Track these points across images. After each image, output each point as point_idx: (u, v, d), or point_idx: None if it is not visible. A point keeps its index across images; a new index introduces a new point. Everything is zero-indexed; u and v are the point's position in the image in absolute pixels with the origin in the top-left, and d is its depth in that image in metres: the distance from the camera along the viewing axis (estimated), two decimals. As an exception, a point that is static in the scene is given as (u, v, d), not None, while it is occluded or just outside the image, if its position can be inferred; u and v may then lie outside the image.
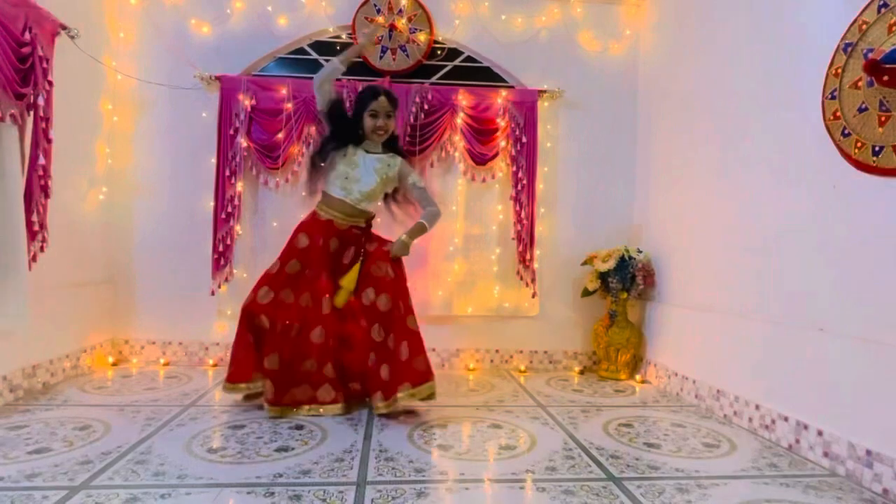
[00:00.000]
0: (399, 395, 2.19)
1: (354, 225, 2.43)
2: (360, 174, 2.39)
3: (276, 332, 2.27)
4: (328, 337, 2.31)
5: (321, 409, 2.26)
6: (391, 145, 2.51)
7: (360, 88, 3.05)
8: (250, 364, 2.29)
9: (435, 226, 2.52)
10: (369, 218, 2.50)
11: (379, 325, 2.29)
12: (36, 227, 2.25)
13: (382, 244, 2.46)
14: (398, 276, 2.38)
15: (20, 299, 2.14)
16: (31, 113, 2.21)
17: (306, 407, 2.26)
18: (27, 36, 2.15)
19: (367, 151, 2.44)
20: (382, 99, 2.39)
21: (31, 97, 2.19)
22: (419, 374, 2.24)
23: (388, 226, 2.71)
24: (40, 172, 2.26)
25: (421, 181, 2.53)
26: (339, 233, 2.40)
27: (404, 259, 2.45)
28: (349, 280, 2.37)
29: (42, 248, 2.31)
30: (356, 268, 2.39)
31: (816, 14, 2.00)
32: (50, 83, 2.28)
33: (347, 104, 2.60)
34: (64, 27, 2.41)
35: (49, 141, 2.29)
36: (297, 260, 2.37)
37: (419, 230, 2.45)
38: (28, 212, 2.20)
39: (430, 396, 2.26)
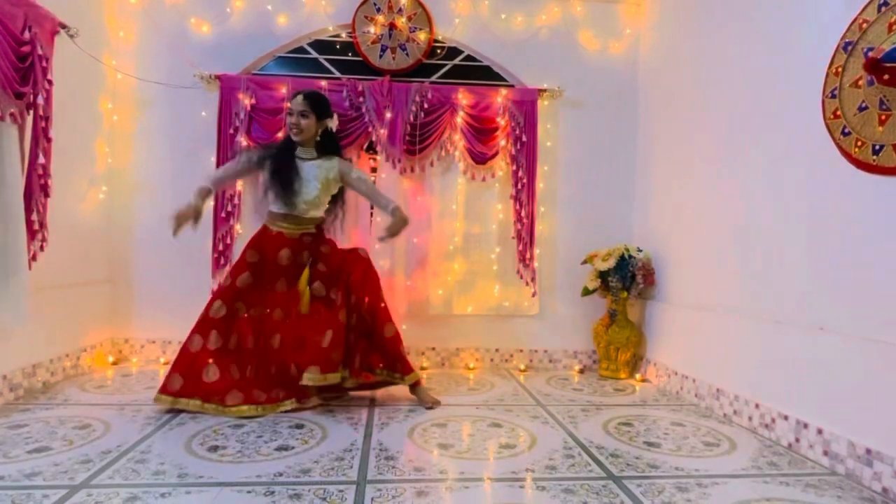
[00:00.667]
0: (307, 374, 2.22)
1: (305, 232, 2.46)
2: (299, 185, 2.40)
3: (227, 348, 2.33)
4: (283, 342, 2.34)
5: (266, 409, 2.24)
6: (327, 146, 2.50)
7: (359, 87, 3.08)
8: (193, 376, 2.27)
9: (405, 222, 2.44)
10: (319, 223, 2.52)
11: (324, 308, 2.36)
12: (36, 227, 2.25)
13: (337, 248, 2.51)
14: (355, 272, 2.40)
15: (20, 298, 2.14)
16: (31, 112, 2.21)
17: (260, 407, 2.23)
18: (27, 35, 2.15)
19: (302, 159, 2.45)
20: (298, 98, 2.41)
21: (31, 96, 2.19)
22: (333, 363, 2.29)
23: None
24: (40, 171, 2.26)
25: (365, 175, 2.55)
26: (289, 242, 2.43)
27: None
28: (303, 282, 2.41)
29: (42, 248, 2.31)
30: (305, 273, 2.43)
31: (817, 13, 1.99)
32: (49, 82, 2.27)
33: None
34: (63, 26, 2.41)
35: (49, 140, 2.29)
36: (248, 273, 2.40)
37: (397, 210, 2.43)
38: (28, 211, 2.20)
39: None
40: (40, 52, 2.21)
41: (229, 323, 2.35)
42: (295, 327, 2.35)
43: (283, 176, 2.39)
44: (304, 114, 2.41)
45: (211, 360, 2.27)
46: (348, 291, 2.39)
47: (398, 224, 2.39)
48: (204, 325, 2.34)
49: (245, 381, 2.28)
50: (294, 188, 2.38)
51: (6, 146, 2.11)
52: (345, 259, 2.44)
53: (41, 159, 2.25)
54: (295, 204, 2.40)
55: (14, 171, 2.13)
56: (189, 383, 2.21)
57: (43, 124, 2.26)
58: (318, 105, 2.44)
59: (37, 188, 2.25)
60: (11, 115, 2.10)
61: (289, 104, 2.45)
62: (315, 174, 2.43)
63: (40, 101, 2.22)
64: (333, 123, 2.51)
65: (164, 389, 2.22)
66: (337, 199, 2.58)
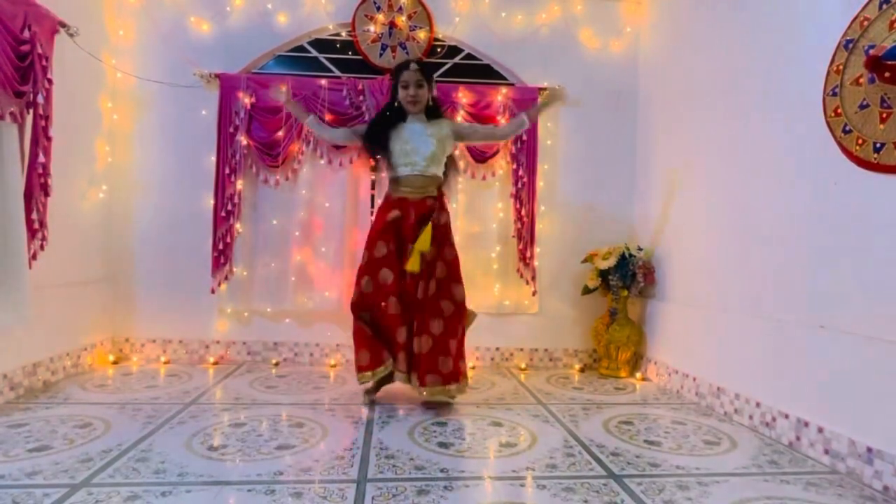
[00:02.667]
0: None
1: (428, 195, 2.45)
2: (416, 144, 2.42)
3: (386, 314, 2.38)
4: (402, 306, 2.39)
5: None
6: (435, 114, 2.53)
7: (359, 86, 3.08)
8: (378, 352, 2.38)
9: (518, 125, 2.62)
10: (440, 184, 2.51)
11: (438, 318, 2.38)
12: (36, 226, 2.25)
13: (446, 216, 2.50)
14: (454, 263, 2.46)
15: (21, 297, 2.14)
16: (31, 111, 2.21)
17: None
18: (26, 34, 2.14)
19: (415, 123, 2.48)
20: (412, 68, 2.42)
21: (31, 95, 2.19)
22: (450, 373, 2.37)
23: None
24: (40, 171, 2.26)
25: (477, 124, 2.60)
26: (414, 205, 2.43)
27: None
28: (423, 242, 2.35)
29: (42, 247, 2.31)
30: (428, 230, 2.36)
31: (817, 10, 1.99)
32: (49, 81, 2.27)
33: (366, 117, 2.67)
34: (63, 25, 2.40)
35: (49, 139, 2.29)
36: (381, 242, 2.41)
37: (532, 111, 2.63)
38: (28, 210, 2.20)
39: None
40: (40, 50, 2.21)
41: (378, 297, 2.40)
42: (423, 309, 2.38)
43: (400, 135, 2.44)
44: (420, 83, 2.43)
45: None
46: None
47: (542, 107, 2.67)
48: (360, 306, 2.41)
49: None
50: (413, 145, 2.41)
51: (6, 145, 2.11)
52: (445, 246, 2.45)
53: (41, 158, 2.25)
54: (415, 162, 2.41)
55: (14, 171, 2.13)
56: (374, 355, 2.36)
57: (43, 123, 2.26)
58: (430, 73, 2.49)
59: (37, 187, 2.25)
60: (11, 113, 2.10)
61: (400, 76, 2.43)
62: (428, 132, 2.45)
63: (40, 99, 2.22)
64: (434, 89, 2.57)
65: (359, 368, 2.37)
66: (449, 168, 2.59)
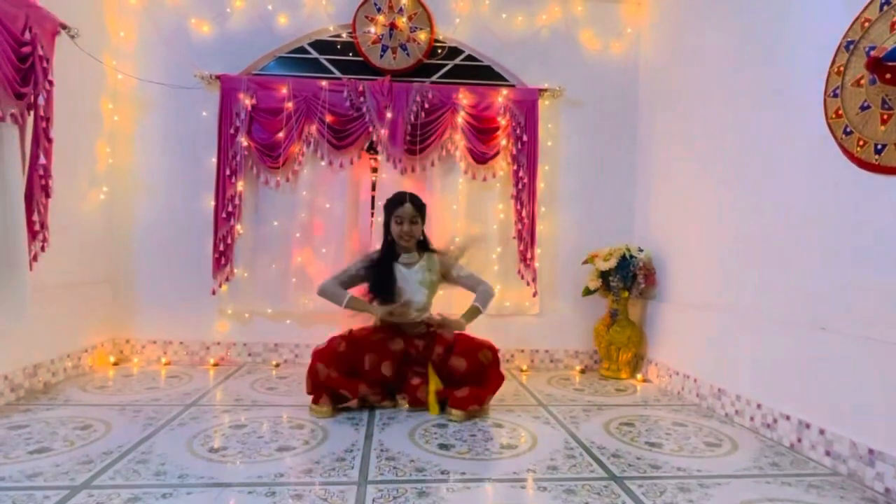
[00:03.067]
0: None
1: (417, 334, 2.46)
2: (408, 293, 2.44)
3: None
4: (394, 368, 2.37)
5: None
6: (422, 247, 2.56)
7: (360, 87, 3.08)
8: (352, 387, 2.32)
9: (488, 305, 2.57)
10: (428, 318, 2.51)
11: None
12: (37, 227, 2.25)
13: (441, 334, 2.47)
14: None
15: (22, 299, 2.14)
16: (32, 112, 2.21)
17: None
18: (27, 35, 2.15)
19: (404, 265, 2.49)
20: (407, 206, 2.45)
21: (32, 97, 2.19)
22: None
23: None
24: (41, 172, 2.26)
25: (464, 269, 2.59)
26: (410, 339, 2.44)
27: None
28: (433, 382, 2.34)
29: (43, 248, 2.31)
30: (433, 376, 2.36)
31: (818, 12, 1.99)
32: (50, 82, 2.27)
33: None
34: (64, 26, 2.41)
35: (49, 140, 2.29)
36: (373, 354, 2.36)
37: (475, 313, 2.53)
38: (29, 211, 2.20)
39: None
40: (41, 52, 2.21)
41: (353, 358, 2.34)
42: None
43: (390, 291, 2.44)
44: (415, 220, 2.47)
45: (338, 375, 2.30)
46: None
47: (453, 326, 2.46)
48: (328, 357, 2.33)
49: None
50: (405, 301, 2.43)
51: (7, 147, 2.11)
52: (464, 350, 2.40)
53: (42, 160, 2.25)
54: (409, 314, 2.44)
55: (15, 172, 2.13)
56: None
57: (44, 125, 2.26)
58: (424, 209, 2.54)
59: (38, 188, 2.25)
60: (12, 115, 2.10)
61: (395, 211, 2.45)
62: (419, 279, 2.48)
63: (41, 101, 2.22)
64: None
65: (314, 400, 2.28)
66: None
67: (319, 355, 2.31)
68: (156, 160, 3.12)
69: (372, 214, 3.13)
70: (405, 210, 2.45)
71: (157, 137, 3.11)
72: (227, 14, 3.13)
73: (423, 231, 2.56)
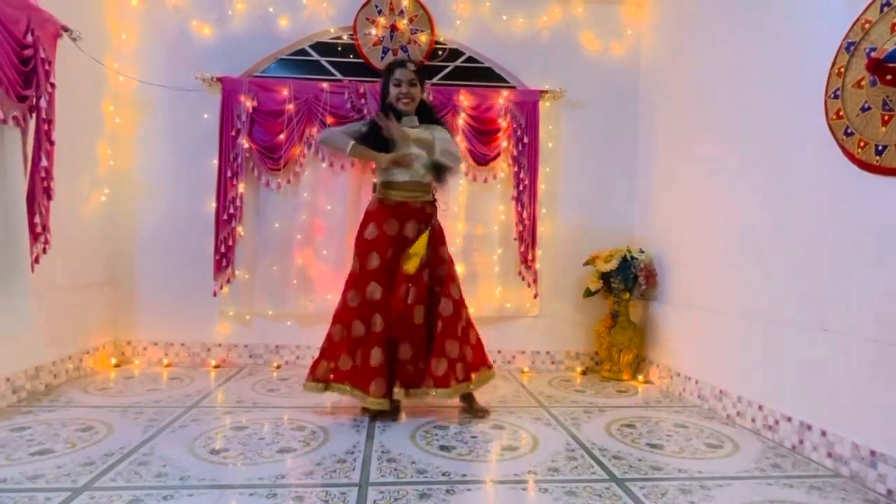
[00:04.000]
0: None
1: (426, 202, 2.38)
2: (414, 151, 2.32)
3: (372, 333, 2.27)
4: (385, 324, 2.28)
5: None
6: (428, 117, 2.44)
7: (361, 89, 3.08)
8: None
9: (451, 169, 2.41)
10: (433, 189, 2.44)
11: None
12: (38, 229, 2.26)
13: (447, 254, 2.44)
14: (451, 264, 2.43)
15: (23, 301, 2.14)
16: (34, 115, 2.22)
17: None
18: (29, 38, 2.15)
19: (408, 128, 2.36)
20: (408, 66, 2.35)
21: (34, 99, 2.20)
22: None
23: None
24: (42, 174, 2.26)
25: (451, 143, 2.42)
26: (414, 213, 2.34)
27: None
28: (420, 246, 2.28)
29: (45, 250, 2.31)
30: (425, 235, 2.30)
31: (819, 13, 1.99)
32: (52, 85, 2.28)
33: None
34: (66, 29, 2.41)
35: (51, 143, 2.30)
36: (375, 253, 2.30)
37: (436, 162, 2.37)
38: (31, 213, 2.20)
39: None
40: (43, 55, 2.22)
41: (367, 309, 2.28)
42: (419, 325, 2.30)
43: (387, 149, 2.31)
44: (413, 82, 2.35)
45: (353, 348, 2.28)
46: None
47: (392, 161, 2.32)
48: (343, 315, 2.31)
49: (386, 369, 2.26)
50: (409, 152, 2.30)
51: (9, 149, 2.11)
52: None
53: (44, 162, 2.26)
54: (415, 169, 2.32)
55: (17, 174, 2.13)
56: (335, 369, 2.27)
57: (45, 127, 2.26)
58: (423, 73, 2.44)
59: (39, 191, 2.26)
60: (14, 118, 2.10)
61: (392, 73, 2.34)
62: (423, 138, 2.33)
63: (43, 103, 2.23)
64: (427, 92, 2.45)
65: (311, 376, 2.28)
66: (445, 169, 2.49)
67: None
68: (157, 162, 3.13)
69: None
70: (404, 72, 2.33)
71: (159, 139, 3.12)
72: (228, 16, 3.13)
73: (425, 101, 2.44)
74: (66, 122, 2.50)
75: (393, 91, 2.36)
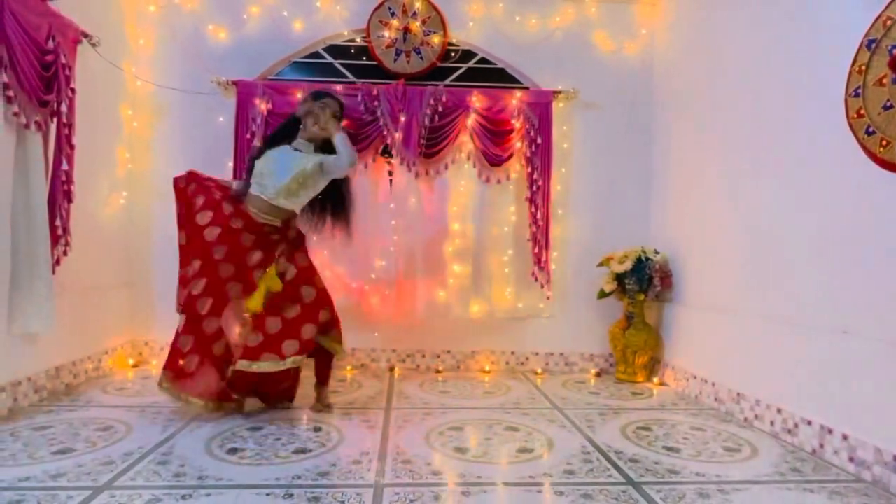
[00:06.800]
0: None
1: (269, 223, 2.31)
2: (275, 168, 2.29)
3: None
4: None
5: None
6: (325, 149, 2.40)
7: (374, 91, 3.09)
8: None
9: (347, 154, 2.30)
10: (287, 218, 2.37)
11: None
12: (59, 232, 2.30)
13: (305, 259, 2.39)
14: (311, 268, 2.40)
15: (45, 302, 2.19)
16: (55, 119, 2.26)
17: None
18: (51, 44, 2.19)
19: (295, 149, 2.36)
20: (336, 100, 2.40)
21: (55, 104, 2.24)
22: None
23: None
24: (63, 178, 2.30)
25: (331, 159, 2.34)
26: (253, 228, 2.29)
27: None
28: (272, 282, 2.24)
29: (65, 252, 2.36)
30: (272, 270, 2.25)
31: (838, 10, 1.96)
32: (72, 90, 2.32)
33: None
34: (86, 35, 2.46)
35: (72, 147, 2.34)
36: (221, 246, 2.26)
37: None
38: (52, 216, 2.25)
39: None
40: (63, 60, 2.26)
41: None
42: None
43: (264, 154, 2.36)
44: (337, 116, 2.39)
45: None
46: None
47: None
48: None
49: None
50: (271, 169, 2.29)
51: (31, 153, 2.16)
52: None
53: (64, 166, 2.30)
54: (265, 186, 2.29)
55: (38, 178, 2.18)
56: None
57: (66, 131, 2.30)
58: (342, 114, 2.47)
59: (60, 194, 2.30)
60: (36, 122, 2.15)
61: (322, 99, 2.37)
62: (295, 162, 2.30)
63: (63, 108, 2.27)
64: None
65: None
66: (324, 205, 2.48)
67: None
68: (174, 165, 3.14)
69: (392, 221, 3.14)
70: (330, 102, 2.36)
71: (175, 143, 3.16)
72: (243, 20, 3.17)
73: (337, 136, 2.32)
74: (85, 127, 2.54)
75: (313, 112, 2.33)
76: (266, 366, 2.14)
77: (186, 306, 2.26)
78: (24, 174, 2.14)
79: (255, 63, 3.18)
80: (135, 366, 3.06)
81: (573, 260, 3.27)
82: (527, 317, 3.25)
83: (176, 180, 2.42)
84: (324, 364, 2.41)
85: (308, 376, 2.43)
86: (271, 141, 2.46)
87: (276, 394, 2.37)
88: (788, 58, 2.19)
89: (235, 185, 2.48)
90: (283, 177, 2.29)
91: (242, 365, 2.12)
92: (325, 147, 2.40)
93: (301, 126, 2.40)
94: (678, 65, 3.08)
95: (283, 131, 2.47)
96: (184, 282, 2.33)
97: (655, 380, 3.01)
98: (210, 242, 2.26)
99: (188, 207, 2.36)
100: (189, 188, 2.39)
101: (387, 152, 3.18)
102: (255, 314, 2.20)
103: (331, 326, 2.35)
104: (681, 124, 3.03)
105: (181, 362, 2.20)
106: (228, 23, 3.16)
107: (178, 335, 2.26)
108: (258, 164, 2.35)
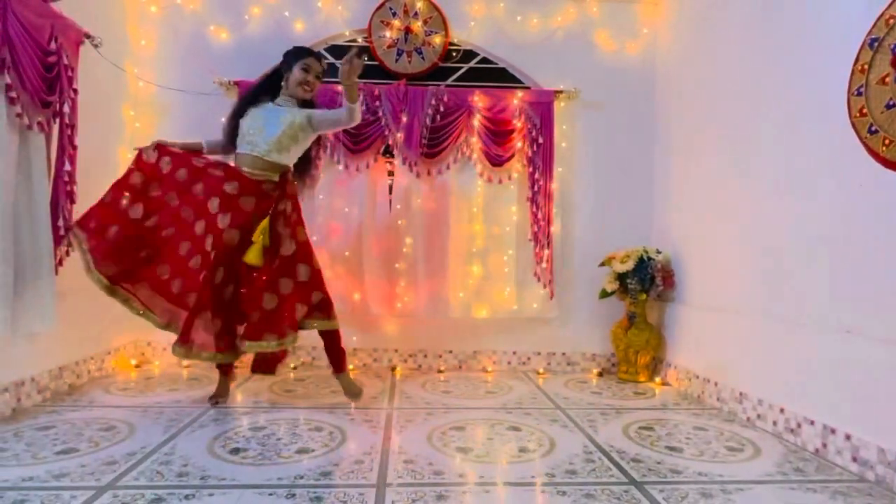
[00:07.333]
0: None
1: (267, 179, 2.35)
2: (264, 124, 2.34)
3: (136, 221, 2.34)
4: (201, 267, 2.29)
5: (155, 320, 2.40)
6: (307, 106, 2.47)
7: (375, 91, 3.10)
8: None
9: (354, 114, 2.35)
10: (283, 171, 2.40)
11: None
12: (62, 232, 2.30)
13: (304, 234, 2.41)
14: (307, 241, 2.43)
15: (47, 302, 2.19)
16: (57, 120, 2.26)
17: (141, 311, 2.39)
18: (53, 45, 2.20)
19: (278, 105, 2.42)
20: (320, 61, 2.44)
21: (57, 105, 2.24)
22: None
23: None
24: (66, 178, 2.31)
25: (329, 112, 2.45)
26: (250, 187, 2.32)
27: None
28: (262, 235, 2.27)
29: (68, 253, 2.36)
30: (265, 223, 2.28)
31: (841, 9, 1.96)
32: (75, 91, 2.33)
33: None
34: (88, 36, 2.46)
35: (74, 147, 2.34)
36: (186, 170, 2.37)
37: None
38: (54, 217, 2.25)
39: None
40: (66, 61, 2.26)
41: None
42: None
43: (248, 113, 2.39)
44: (320, 76, 2.44)
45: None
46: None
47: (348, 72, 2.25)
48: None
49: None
50: (260, 125, 2.34)
51: (34, 154, 2.16)
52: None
53: (67, 166, 2.30)
54: (255, 143, 2.33)
55: (41, 179, 2.18)
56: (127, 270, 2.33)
57: (68, 132, 2.31)
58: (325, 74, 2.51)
59: (63, 195, 2.30)
60: (39, 123, 2.15)
61: (304, 58, 2.41)
62: (282, 116, 2.36)
63: (66, 109, 2.28)
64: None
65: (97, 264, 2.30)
66: (308, 159, 2.57)
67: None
68: (176, 165, 3.16)
69: (399, 224, 3.14)
70: (315, 62, 2.40)
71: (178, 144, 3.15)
72: (244, 21, 3.17)
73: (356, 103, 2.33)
74: (87, 127, 2.54)
75: (299, 75, 2.39)
76: (269, 345, 2.23)
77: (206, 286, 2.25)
78: (27, 175, 2.14)
79: (257, 63, 3.16)
80: (137, 366, 3.07)
81: (575, 259, 3.27)
82: (529, 316, 3.25)
83: (141, 152, 2.44)
84: (333, 350, 2.45)
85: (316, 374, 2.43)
86: (252, 98, 2.46)
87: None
88: (791, 57, 2.19)
89: (208, 143, 2.53)
90: (273, 131, 2.34)
91: (248, 347, 2.24)
92: (305, 105, 2.47)
93: (283, 83, 2.44)
94: (680, 64, 3.08)
95: (263, 87, 2.48)
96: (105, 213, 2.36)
97: (658, 379, 3.01)
98: (213, 215, 2.31)
99: (156, 181, 2.40)
100: (161, 162, 2.42)
101: (388, 152, 3.19)
102: (255, 272, 2.28)
103: (323, 306, 2.39)
104: (682, 123, 3.02)
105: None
106: (230, 23, 3.16)
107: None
108: (244, 123, 2.38)
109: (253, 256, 2.26)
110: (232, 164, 2.44)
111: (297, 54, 2.43)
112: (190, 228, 2.37)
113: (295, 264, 2.33)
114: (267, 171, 2.36)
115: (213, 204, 2.33)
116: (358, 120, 2.39)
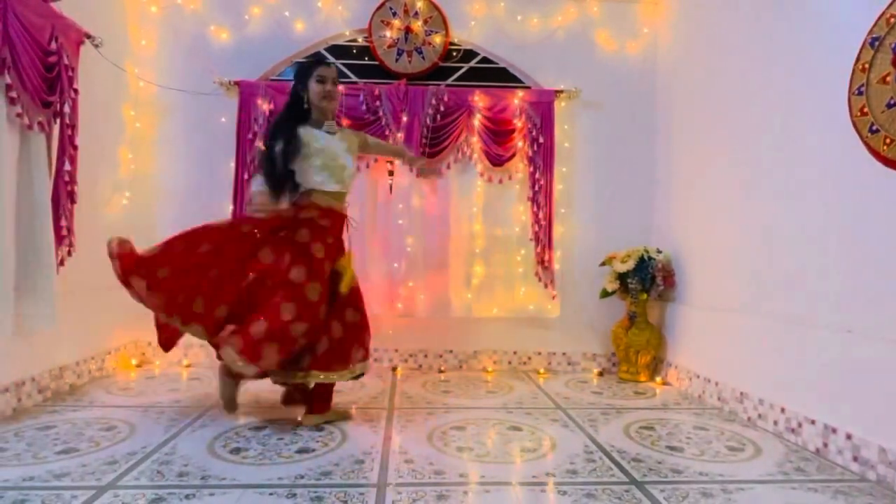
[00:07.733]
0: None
1: (343, 212, 2.29)
2: (342, 160, 2.20)
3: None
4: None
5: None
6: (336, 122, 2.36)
7: (376, 91, 3.10)
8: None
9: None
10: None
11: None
12: (63, 232, 2.31)
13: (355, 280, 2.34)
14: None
15: (49, 302, 2.19)
16: (58, 120, 2.27)
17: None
18: (53, 45, 2.20)
19: (329, 133, 2.23)
20: (332, 68, 2.26)
21: (58, 105, 2.24)
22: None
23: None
24: (66, 178, 2.31)
25: (371, 137, 2.54)
26: (340, 220, 2.27)
27: None
28: (348, 266, 2.24)
29: (69, 253, 2.37)
30: (350, 255, 2.27)
31: (842, 8, 1.95)
32: (75, 91, 2.33)
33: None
34: (89, 36, 2.46)
35: (75, 148, 2.35)
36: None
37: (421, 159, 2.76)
38: (56, 217, 2.25)
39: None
40: (66, 61, 2.26)
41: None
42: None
43: (317, 147, 2.16)
44: (336, 80, 2.25)
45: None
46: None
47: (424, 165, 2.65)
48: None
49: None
50: (341, 162, 2.19)
51: (34, 154, 2.16)
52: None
53: (67, 166, 2.31)
54: (343, 180, 2.20)
55: (42, 179, 2.18)
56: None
57: (69, 132, 2.31)
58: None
59: (63, 195, 2.30)
60: (39, 123, 2.15)
61: (316, 70, 2.21)
62: (347, 147, 2.24)
63: (66, 109, 2.28)
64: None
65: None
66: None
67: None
68: (176, 166, 3.17)
69: (399, 222, 3.14)
70: (328, 70, 2.21)
71: (178, 143, 3.16)
72: (244, 21, 3.17)
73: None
74: (88, 127, 2.55)
75: (317, 88, 2.18)
76: (336, 377, 2.16)
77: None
78: (28, 175, 2.15)
79: (257, 63, 3.18)
80: (138, 366, 3.07)
81: (576, 259, 3.27)
82: (529, 316, 3.25)
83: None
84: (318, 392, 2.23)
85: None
86: (291, 134, 2.16)
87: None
88: (792, 56, 2.19)
89: (261, 194, 2.19)
90: (350, 164, 2.24)
91: (314, 376, 2.12)
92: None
93: (305, 105, 2.21)
94: (680, 64, 3.08)
95: (293, 117, 2.22)
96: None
97: (658, 379, 3.01)
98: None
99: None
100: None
101: (389, 152, 3.18)
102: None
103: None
104: (683, 123, 3.02)
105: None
106: (230, 23, 3.16)
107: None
108: (318, 159, 2.15)
109: (346, 285, 2.21)
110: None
111: (307, 70, 2.24)
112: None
113: (345, 307, 2.24)
114: (342, 202, 2.28)
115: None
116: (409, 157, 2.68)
